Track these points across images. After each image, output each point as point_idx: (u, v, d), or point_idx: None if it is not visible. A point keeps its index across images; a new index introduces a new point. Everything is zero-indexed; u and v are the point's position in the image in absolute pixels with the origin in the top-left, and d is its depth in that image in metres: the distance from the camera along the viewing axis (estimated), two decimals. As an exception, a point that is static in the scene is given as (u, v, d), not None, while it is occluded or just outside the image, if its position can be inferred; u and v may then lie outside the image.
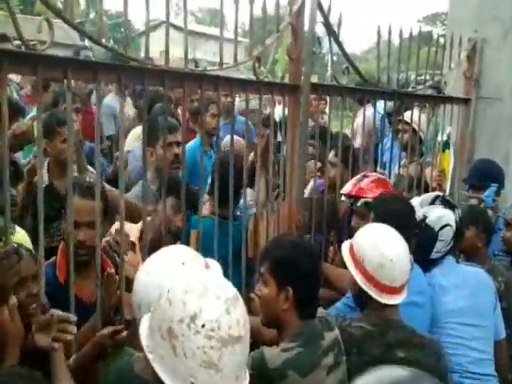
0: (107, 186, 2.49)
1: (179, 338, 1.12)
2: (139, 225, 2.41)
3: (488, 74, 4.10)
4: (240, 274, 2.43)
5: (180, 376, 1.12)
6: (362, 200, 2.69)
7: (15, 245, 1.57)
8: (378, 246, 1.94)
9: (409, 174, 3.40)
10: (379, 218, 2.15)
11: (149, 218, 2.32)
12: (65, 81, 1.56)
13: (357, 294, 1.99)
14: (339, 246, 2.81)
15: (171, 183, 2.19)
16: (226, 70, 2.14)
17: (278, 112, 4.40)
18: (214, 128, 3.88)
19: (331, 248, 2.90)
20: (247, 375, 1.24)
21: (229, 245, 2.32)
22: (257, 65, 2.32)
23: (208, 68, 2.02)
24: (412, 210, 2.40)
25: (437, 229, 2.49)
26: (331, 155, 3.10)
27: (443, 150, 3.79)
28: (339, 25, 2.78)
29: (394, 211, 2.25)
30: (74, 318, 1.62)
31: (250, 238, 2.55)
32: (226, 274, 2.38)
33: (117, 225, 2.30)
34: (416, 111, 3.55)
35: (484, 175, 3.52)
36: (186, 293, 1.16)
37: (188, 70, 1.90)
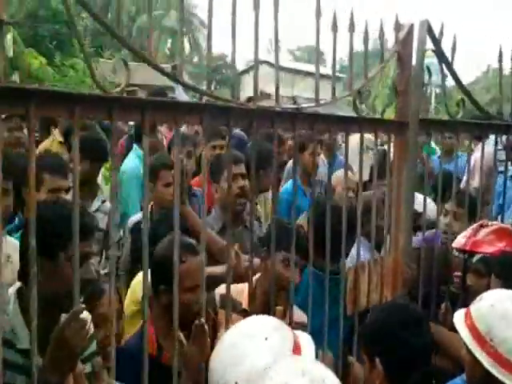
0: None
1: None
2: (246, 286, 2.19)
3: None
4: (337, 335, 2.14)
5: None
6: (479, 255, 2.30)
7: (83, 306, 1.41)
8: None
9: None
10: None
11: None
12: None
13: (479, 378, 1.61)
14: (452, 304, 2.46)
15: (281, 231, 1.92)
16: (326, 107, 1.92)
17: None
18: (313, 167, 3.70)
19: (443, 306, 2.52)
20: None
21: (325, 302, 2.04)
22: (357, 100, 2.07)
23: (303, 105, 1.80)
24: None
25: None
26: (450, 204, 2.73)
27: None
28: (453, 51, 2.45)
29: None
30: None
31: (348, 294, 2.24)
32: (321, 335, 2.13)
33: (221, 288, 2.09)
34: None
35: None
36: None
37: (279, 109, 1.69)
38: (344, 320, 2.15)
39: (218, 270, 2.02)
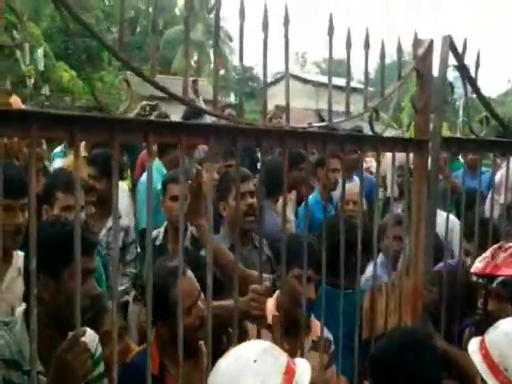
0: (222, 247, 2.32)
1: None
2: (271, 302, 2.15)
3: None
4: (351, 357, 2.07)
5: None
6: (499, 279, 2.20)
7: (85, 329, 1.39)
8: None
9: None
10: None
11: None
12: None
13: None
14: (476, 330, 2.35)
15: (295, 246, 1.89)
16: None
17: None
18: (333, 183, 3.71)
19: (466, 331, 2.41)
20: None
21: (339, 320, 1.98)
22: (374, 118, 2.01)
23: (314, 124, 1.75)
24: None
25: None
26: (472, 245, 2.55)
27: None
28: (477, 67, 2.36)
29: None
30: None
31: (365, 317, 2.18)
32: (336, 356, 2.07)
33: None
34: None
35: None
36: None
37: (288, 128, 1.64)
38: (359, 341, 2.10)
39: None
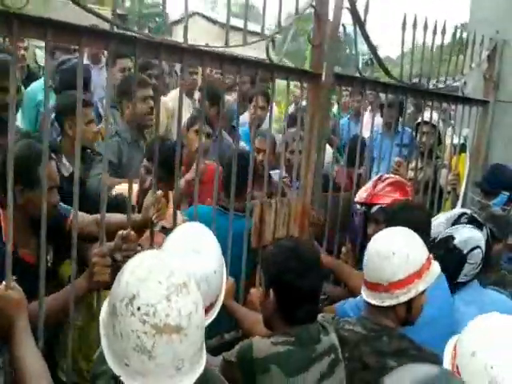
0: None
1: (118, 317, 1.11)
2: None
3: (508, 77, 3.92)
4: (240, 265, 2.33)
5: (117, 355, 1.12)
6: (377, 206, 2.52)
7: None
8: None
9: (423, 177, 3.23)
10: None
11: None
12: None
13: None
14: (353, 247, 2.75)
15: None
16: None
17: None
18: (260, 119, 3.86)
19: (343, 248, 2.76)
20: (198, 369, 1.16)
21: (228, 237, 2.19)
22: (271, 47, 2.14)
23: (211, 45, 1.83)
24: (429, 218, 2.29)
25: (466, 251, 2.25)
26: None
27: (460, 153, 3.59)
28: (366, 12, 2.56)
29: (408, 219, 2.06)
30: None
31: (253, 228, 2.38)
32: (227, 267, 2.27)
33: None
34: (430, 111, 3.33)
35: (496, 181, 3.35)
36: (131, 273, 1.13)
37: (186, 45, 1.71)
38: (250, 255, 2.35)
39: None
